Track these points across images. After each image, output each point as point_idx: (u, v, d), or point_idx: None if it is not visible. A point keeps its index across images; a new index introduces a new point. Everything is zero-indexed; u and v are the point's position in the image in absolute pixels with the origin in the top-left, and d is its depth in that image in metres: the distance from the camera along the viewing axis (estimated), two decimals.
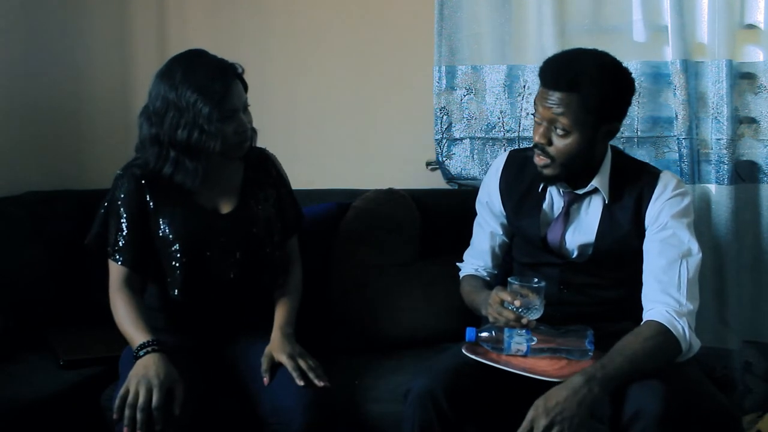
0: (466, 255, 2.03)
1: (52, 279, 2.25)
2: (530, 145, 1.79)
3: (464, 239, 2.04)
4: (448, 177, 2.53)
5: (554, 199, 1.84)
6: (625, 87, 1.72)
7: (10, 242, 2.18)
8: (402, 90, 2.58)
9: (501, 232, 1.96)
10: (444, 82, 2.47)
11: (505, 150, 2.40)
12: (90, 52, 2.64)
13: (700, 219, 2.22)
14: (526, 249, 1.89)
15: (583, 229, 1.81)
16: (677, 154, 2.31)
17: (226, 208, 1.88)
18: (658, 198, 1.74)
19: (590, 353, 1.65)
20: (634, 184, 1.78)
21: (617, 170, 1.79)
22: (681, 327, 1.60)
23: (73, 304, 2.25)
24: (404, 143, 2.59)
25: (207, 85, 1.73)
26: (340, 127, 2.64)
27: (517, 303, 1.64)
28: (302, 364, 1.73)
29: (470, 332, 1.70)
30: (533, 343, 1.66)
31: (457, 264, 2.05)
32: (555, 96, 1.66)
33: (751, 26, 2.29)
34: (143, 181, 1.81)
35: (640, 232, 1.76)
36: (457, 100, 2.48)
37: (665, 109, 2.35)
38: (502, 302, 1.67)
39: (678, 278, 1.66)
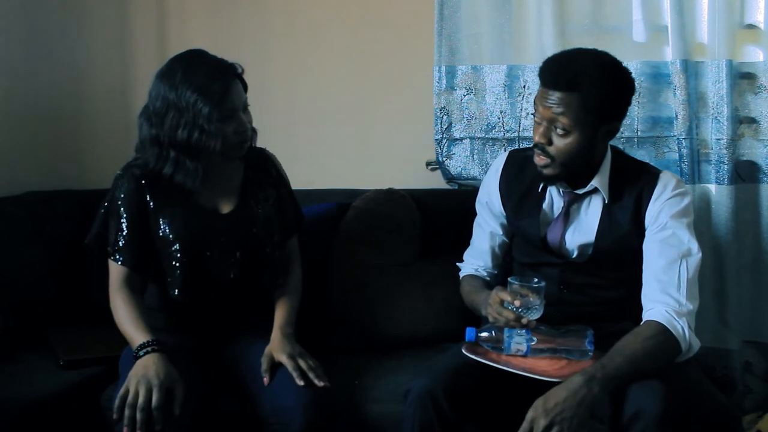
0: (466, 255, 2.03)
1: (52, 279, 2.25)
2: (530, 145, 1.79)
3: (464, 239, 2.04)
4: (448, 177, 2.53)
5: (554, 199, 1.84)
6: (624, 87, 1.72)
7: (10, 242, 2.18)
8: (402, 90, 2.58)
9: (501, 232, 1.96)
10: (444, 82, 2.47)
11: (505, 150, 2.41)
12: (90, 52, 2.64)
13: (700, 219, 2.22)
14: (526, 249, 1.89)
15: (583, 229, 1.81)
16: (677, 154, 2.31)
17: (226, 208, 1.88)
18: (658, 198, 1.74)
19: (590, 353, 1.65)
20: (633, 184, 1.78)
21: (617, 170, 1.79)
22: (680, 327, 1.60)
23: (73, 304, 2.25)
24: (404, 143, 2.59)
25: (207, 85, 1.73)
26: (340, 127, 2.64)
27: (517, 303, 1.64)
28: (302, 364, 1.73)
29: (470, 332, 1.70)
30: (533, 343, 1.66)
31: (457, 264, 2.05)
32: (555, 96, 1.66)
33: (751, 26, 2.29)
34: (143, 181, 1.81)
35: (639, 232, 1.76)
36: (457, 100, 2.48)
37: (665, 109, 2.35)
38: (502, 302, 1.67)
39: (678, 278, 1.66)
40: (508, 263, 2.00)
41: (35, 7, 2.48)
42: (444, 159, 2.51)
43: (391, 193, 2.38)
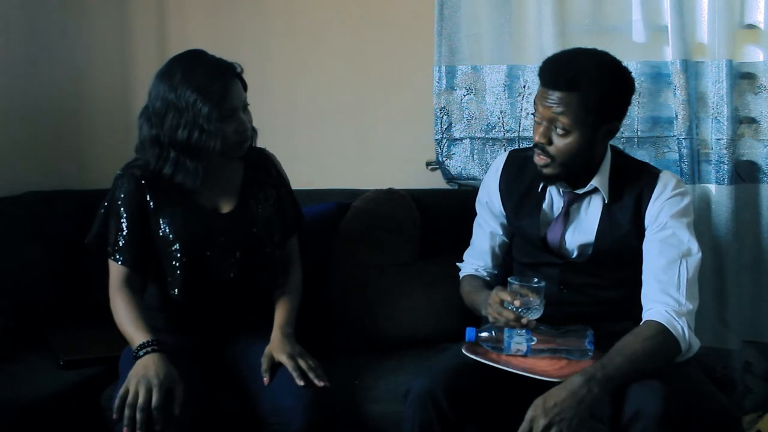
0: (466, 255, 2.03)
1: (52, 279, 2.25)
2: (530, 145, 1.79)
3: (464, 239, 2.04)
4: (448, 177, 2.53)
5: (554, 198, 1.84)
6: (624, 86, 1.72)
7: (10, 242, 2.18)
8: (402, 90, 2.58)
9: (501, 232, 1.96)
10: (444, 82, 2.47)
11: (505, 150, 2.40)
12: (90, 52, 2.64)
13: (700, 219, 2.22)
14: (526, 249, 1.89)
15: (582, 229, 1.81)
16: (677, 154, 2.31)
17: (226, 208, 1.88)
18: (658, 198, 1.74)
19: (590, 353, 1.65)
20: (633, 183, 1.78)
21: (617, 170, 1.79)
22: (680, 327, 1.60)
23: (73, 304, 2.25)
24: (404, 143, 2.59)
25: (206, 84, 1.73)
26: (340, 127, 2.64)
27: (517, 303, 1.64)
28: (302, 364, 1.73)
29: (470, 332, 1.70)
30: (533, 343, 1.66)
31: (457, 264, 2.05)
32: (555, 95, 1.66)
33: (751, 26, 2.29)
34: (143, 181, 1.81)
35: (639, 232, 1.76)
36: (457, 100, 2.48)
37: (665, 109, 2.35)
38: (502, 302, 1.67)
39: (677, 278, 1.66)
40: (508, 263, 2.00)
41: (35, 7, 2.48)
42: (444, 159, 2.51)
43: (391, 193, 2.38)
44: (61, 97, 2.59)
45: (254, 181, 1.93)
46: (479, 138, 2.48)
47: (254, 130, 1.89)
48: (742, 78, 2.29)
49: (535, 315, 1.66)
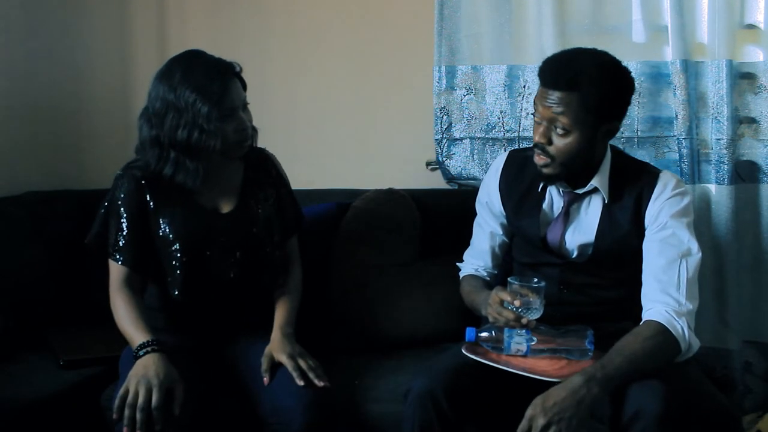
0: (466, 255, 2.03)
1: (52, 279, 2.25)
2: (530, 145, 1.79)
3: (464, 239, 2.04)
4: (448, 177, 2.53)
5: (554, 198, 1.84)
6: (624, 86, 1.72)
7: (10, 242, 2.18)
8: (402, 90, 2.58)
9: (501, 232, 1.96)
10: (444, 82, 2.47)
11: (505, 150, 2.40)
12: (90, 52, 2.64)
13: (700, 219, 2.22)
14: (526, 249, 1.89)
15: (582, 229, 1.81)
16: (677, 154, 2.31)
17: (226, 208, 1.88)
18: (658, 197, 1.74)
19: (590, 353, 1.65)
20: (633, 183, 1.78)
21: (617, 170, 1.79)
22: (680, 327, 1.60)
23: (73, 304, 2.25)
24: (404, 143, 2.59)
25: (205, 84, 1.74)
26: (340, 127, 2.64)
27: (516, 303, 1.64)
28: (302, 364, 1.73)
29: (470, 332, 1.70)
30: (533, 343, 1.66)
31: (457, 264, 2.05)
32: (555, 95, 1.66)
33: (751, 26, 2.29)
34: (143, 181, 1.81)
35: (639, 232, 1.76)
36: (457, 100, 2.48)
37: (665, 109, 2.35)
38: (501, 302, 1.67)
39: (677, 278, 1.66)
40: (508, 263, 2.00)
41: (35, 7, 2.48)
42: (444, 159, 2.51)
43: (391, 193, 2.38)
44: (61, 97, 2.59)
45: (254, 181, 1.93)
46: (479, 138, 2.48)
47: (254, 129, 1.89)
48: (742, 78, 2.29)
49: (535, 315, 1.65)
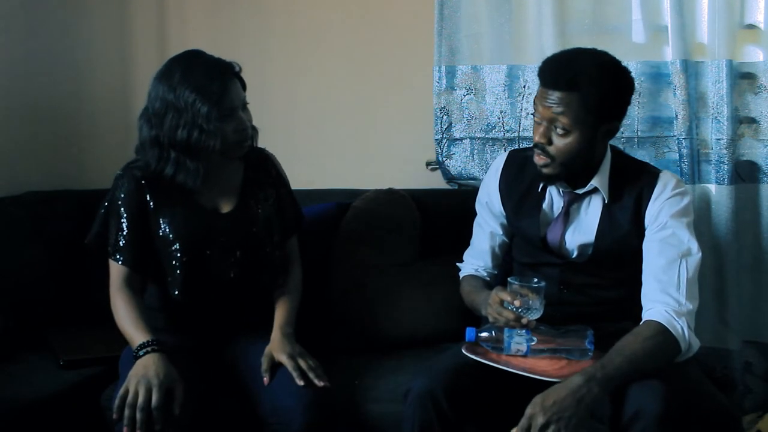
0: (466, 255, 2.03)
1: (52, 279, 2.25)
2: (530, 145, 1.79)
3: (464, 239, 2.04)
4: (448, 177, 2.53)
5: (554, 199, 1.84)
6: (624, 86, 1.72)
7: (10, 242, 2.18)
8: (402, 90, 2.58)
9: (501, 232, 1.96)
10: (444, 82, 2.47)
11: (505, 150, 2.41)
12: (90, 52, 2.64)
13: (700, 219, 2.22)
14: (526, 249, 1.89)
15: (582, 229, 1.81)
16: (677, 154, 2.31)
17: (226, 208, 1.88)
18: (658, 197, 1.74)
19: (590, 353, 1.65)
20: (633, 183, 1.78)
21: (617, 170, 1.79)
22: (680, 327, 1.60)
23: (73, 304, 2.25)
24: (404, 143, 2.59)
25: (205, 84, 1.74)
26: (340, 127, 2.64)
27: (516, 303, 1.64)
28: (302, 364, 1.73)
29: (470, 332, 1.70)
30: (533, 343, 1.66)
31: (457, 264, 2.05)
32: (555, 95, 1.66)
33: (751, 26, 2.29)
34: (143, 181, 1.81)
35: (639, 232, 1.76)
36: (457, 100, 2.48)
37: (665, 109, 2.35)
38: (501, 302, 1.67)
39: (677, 278, 1.66)
40: (508, 263, 1.99)
41: (35, 6, 2.48)
42: (444, 159, 2.51)
43: (391, 193, 2.38)
44: (61, 97, 2.59)
45: (254, 181, 1.93)
46: (479, 138, 2.48)
47: (254, 129, 1.89)
48: (742, 78, 2.29)
49: (535, 315, 1.65)
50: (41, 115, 2.53)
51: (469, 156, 2.49)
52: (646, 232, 1.75)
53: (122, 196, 1.81)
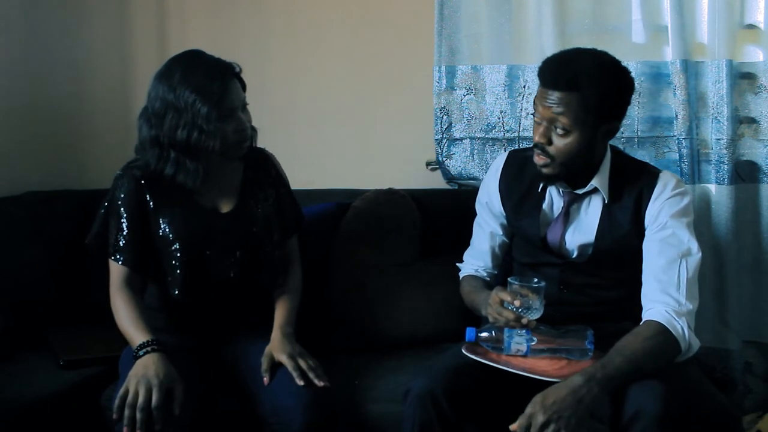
0: (466, 255, 2.03)
1: (52, 279, 2.25)
2: (530, 145, 1.79)
3: (464, 239, 2.04)
4: (448, 177, 2.53)
5: (554, 199, 1.84)
6: (624, 86, 1.72)
7: (10, 242, 2.18)
8: (402, 90, 2.58)
9: (501, 233, 1.96)
10: (444, 82, 2.47)
11: (505, 150, 2.41)
12: (90, 52, 2.64)
13: (700, 219, 2.22)
14: (526, 249, 1.89)
15: (582, 229, 1.81)
16: (677, 154, 2.31)
17: (225, 208, 1.88)
18: (658, 197, 1.74)
19: (590, 353, 1.65)
20: (633, 183, 1.78)
21: (617, 170, 1.79)
22: (680, 327, 1.60)
23: (73, 304, 2.25)
24: (404, 143, 2.59)
25: (205, 85, 1.74)
26: (340, 127, 2.64)
27: (516, 303, 1.64)
28: (302, 363, 1.73)
29: (470, 332, 1.70)
30: (533, 343, 1.66)
31: (457, 264, 2.05)
32: (554, 95, 1.66)
33: (751, 26, 2.29)
34: (143, 181, 1.81)
35: (639, 232, 1.76)
36: (457, 100, 2.48)
37: (665, 109, 2.35)
38: (502, 302, 1.67)
39: (677, 278, 1.66)
40: (508, 263, 1.99)
41: (35, 6, 2.48)
42: (444, 159, 2.51)
43: (391, 193, 2.38)
44: (61, 97, 2.59)
45: (254, 180, 1.93)
46: (479, 138, 2.48)
47: (254, 130, 1.89)
48: (742, 78, 2.29)
49: (535, 315, 1.65)
50: (41, 115, 2.53)
51: (469, 156, 2.49)
52: (646, 232, 1.75)
53: (122, 196, 1.81)
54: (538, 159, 1.74)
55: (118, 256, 1.80)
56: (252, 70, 1.89)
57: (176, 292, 1.81)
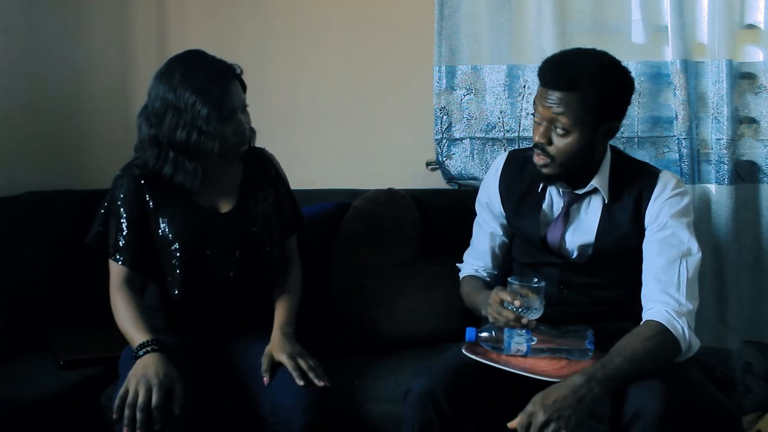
0: (466, 255, 2.03)
1: (52, 279, 2.25)
2: (530, 145, 1.79)
3: (464, 239, 2.04)
4: (448, 177, 2.53)
5: (554, 199, 1.84)
6: (624, 86, 1.72)
7: (10, 242, 2.18)
8: (402, 90, 2.58)
9: (501, 233, 1.96)
10: (444, 82, 2.47)
11: (505, 150, 2.41)
12: (90, 52, 2.64)
13: (700, 219, 2.22)
14: (526, 249, 1.89)
15: (582, 229, 1.81)
16: (677, 154, 2.31)
17: (225, 208, 1.88)
18: (658, 197, 1.74)
19: (590, 353, 1.65)
20: (633, 183, 1.78)
21: (617, 170, 1.79)
22: (680, 327, 1.60)
23: (73, 304, 2.25)
24: (404, 143, 2.59)
25: (206, 86, 1.73)
26: (340, 127, 2.64)
27: (517, 303, 1.64)
28: (302, 363, 1.73)
29: (470, 332, 1.70)
30: (533, 343, 1.66)
31: (457, 265, 2.05)
32: (555, 95, 1.66)
33: (751, 26, 2.29)
34: (143, 181, 1.81)
35: (639, 232, 1.76)
36: (457, 100, 2.48)
37: (665, 109, 2.35)
38: (502, 302, 1.67)
39: (677, 278, 1.66)
40: (508, 263, 1.99)
41: (35, 7, 2.48)
42: (444, 159, 2.51)
43: (391, 193, 2.38)
44: (61, 97, 2.59)
45: (253, 180, 1.93)
46: (479, 138, 2.48)
47: (252, 131, 1.89)
48: (742, 78, 2.29)
49: (535, 315, 1.65)
50: (41, 115, 2.53)
51: (469, 156, 2.49)
52: (646, 232, 1.75)
53: (122, 196, 1.81)
54: (538, 159, 1.74)
55: (118, 256, 1.80)
56: (252, 70, 1.89)
57: (176, 291, 1.81)
